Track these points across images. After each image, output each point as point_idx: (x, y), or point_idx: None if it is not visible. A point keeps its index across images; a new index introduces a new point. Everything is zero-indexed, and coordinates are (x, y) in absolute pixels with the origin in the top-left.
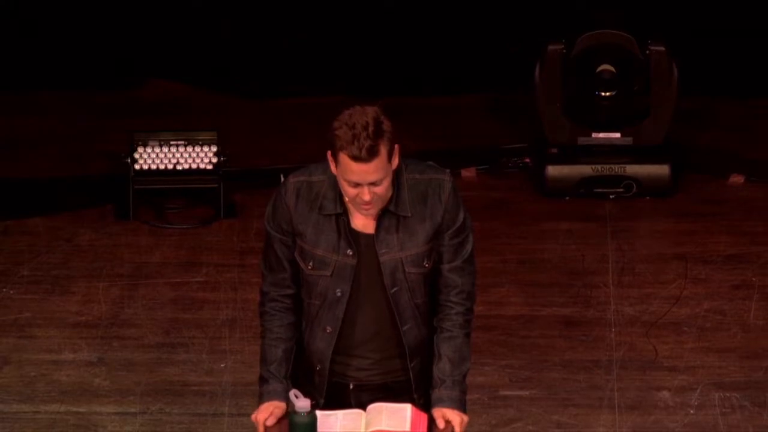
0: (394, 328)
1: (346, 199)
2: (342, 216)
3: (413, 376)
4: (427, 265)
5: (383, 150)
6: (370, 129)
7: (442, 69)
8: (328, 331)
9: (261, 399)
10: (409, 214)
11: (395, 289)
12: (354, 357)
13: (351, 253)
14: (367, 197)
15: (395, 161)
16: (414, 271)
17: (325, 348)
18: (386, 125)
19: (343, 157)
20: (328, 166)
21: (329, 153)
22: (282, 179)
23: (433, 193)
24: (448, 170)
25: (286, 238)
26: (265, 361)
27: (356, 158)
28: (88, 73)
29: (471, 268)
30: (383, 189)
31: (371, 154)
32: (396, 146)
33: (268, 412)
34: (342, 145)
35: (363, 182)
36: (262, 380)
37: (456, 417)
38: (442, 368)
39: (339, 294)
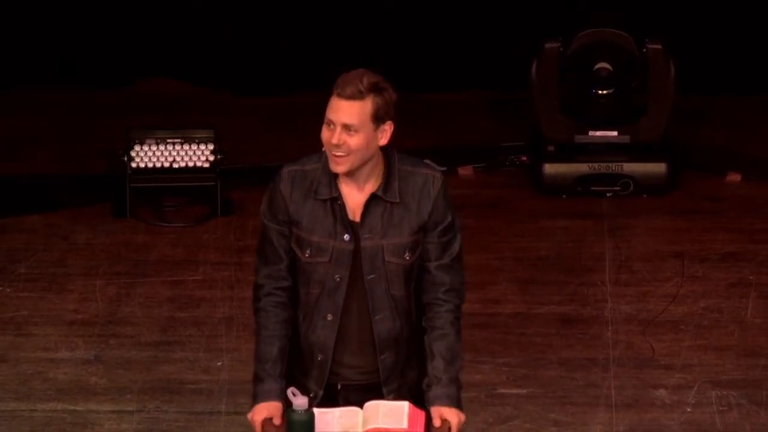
0: (369, 317)
1: (324, 148)
2: (337, 200)
3: (382, 369)
4: (407, 258)
5: (369, 103)
6: (365, 80)
7: (439, 67)
8: (329, 318)
9: (256, 399)
10: (397, 200)
11: (372, 276)
12: (345, 353)
13: (348, 238)
14: (335, 139)
15: (384, 136)
16: (394, 260)
17: (326, 336)
18: (387, 91)
19: (331, 99)
20: (321, 156)
21: None
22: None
23: (423, 187)
24: (442, 169)
25: (283, 228)
26: (260, 360)
27: (339, 95)
28: (87, 72)
29: (459, 267)
30: (354, 142)
31: (354, 96)
32: (390, 122)
33: (264, 412)
34: (334, 87)
35: (336, 121)
36: (258, 379)
37: (453, 416)
38: (436, 366)
39: (338, 279)
